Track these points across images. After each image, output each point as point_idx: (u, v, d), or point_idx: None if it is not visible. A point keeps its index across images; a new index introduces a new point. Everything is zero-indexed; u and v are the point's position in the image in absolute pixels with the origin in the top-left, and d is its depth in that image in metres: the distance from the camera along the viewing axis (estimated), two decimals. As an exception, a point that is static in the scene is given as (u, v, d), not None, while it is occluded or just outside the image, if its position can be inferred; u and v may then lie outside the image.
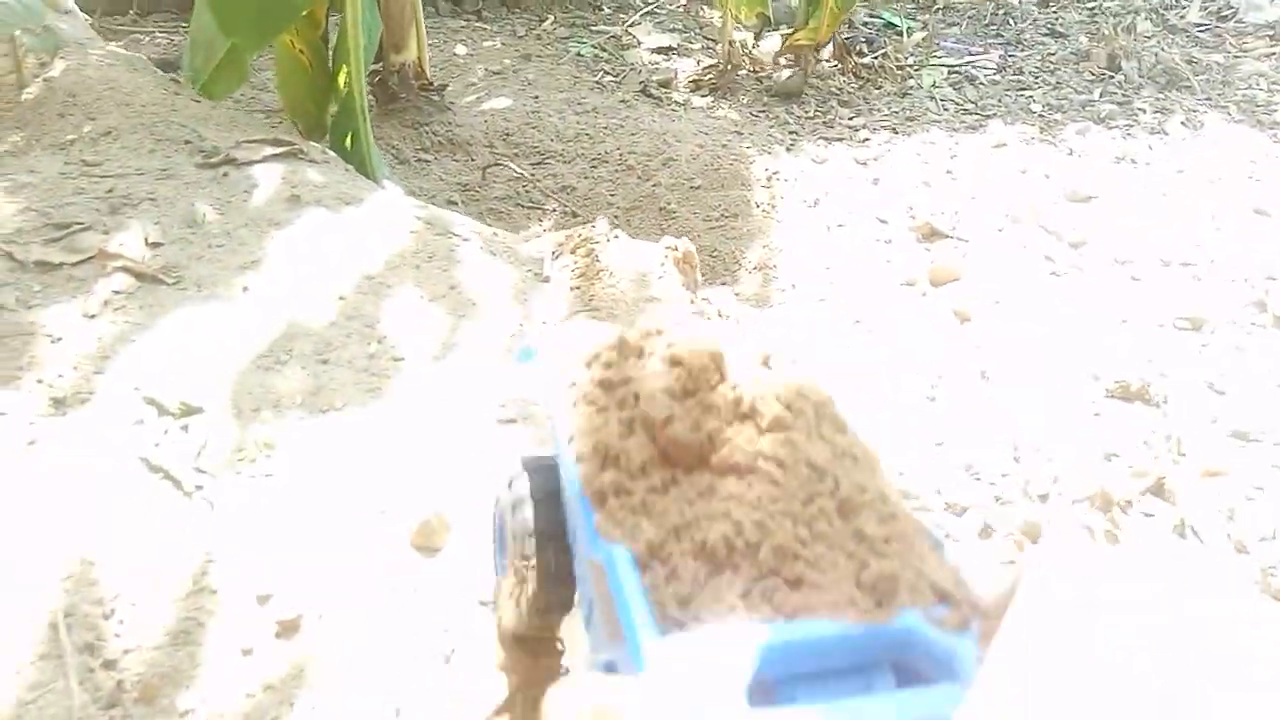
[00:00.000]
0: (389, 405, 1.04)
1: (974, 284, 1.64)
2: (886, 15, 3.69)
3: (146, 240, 1.31)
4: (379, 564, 0.86)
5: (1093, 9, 3.90)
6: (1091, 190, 2.10)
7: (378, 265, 1.26)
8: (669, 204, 1.93)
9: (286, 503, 0.91)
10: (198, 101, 1.73)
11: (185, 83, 1.88)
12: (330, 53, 1.80)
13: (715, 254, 1.77)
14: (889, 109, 2.78)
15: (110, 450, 0.93)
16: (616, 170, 2.07)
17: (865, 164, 2.16)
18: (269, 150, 1.55)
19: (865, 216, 1.89)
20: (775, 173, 2.02)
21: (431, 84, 2.20)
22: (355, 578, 0.85)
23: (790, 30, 3.09)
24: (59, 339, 1.08)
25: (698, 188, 1.98)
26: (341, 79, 1.74)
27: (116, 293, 1.17)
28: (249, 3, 1.58)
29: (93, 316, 1.16)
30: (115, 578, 0.82)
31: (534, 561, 0.40)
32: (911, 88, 3.05)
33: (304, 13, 1.66)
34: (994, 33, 3.78)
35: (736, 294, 1.63)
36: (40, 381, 1.02)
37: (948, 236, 1.82)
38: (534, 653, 0.45)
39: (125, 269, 1.23)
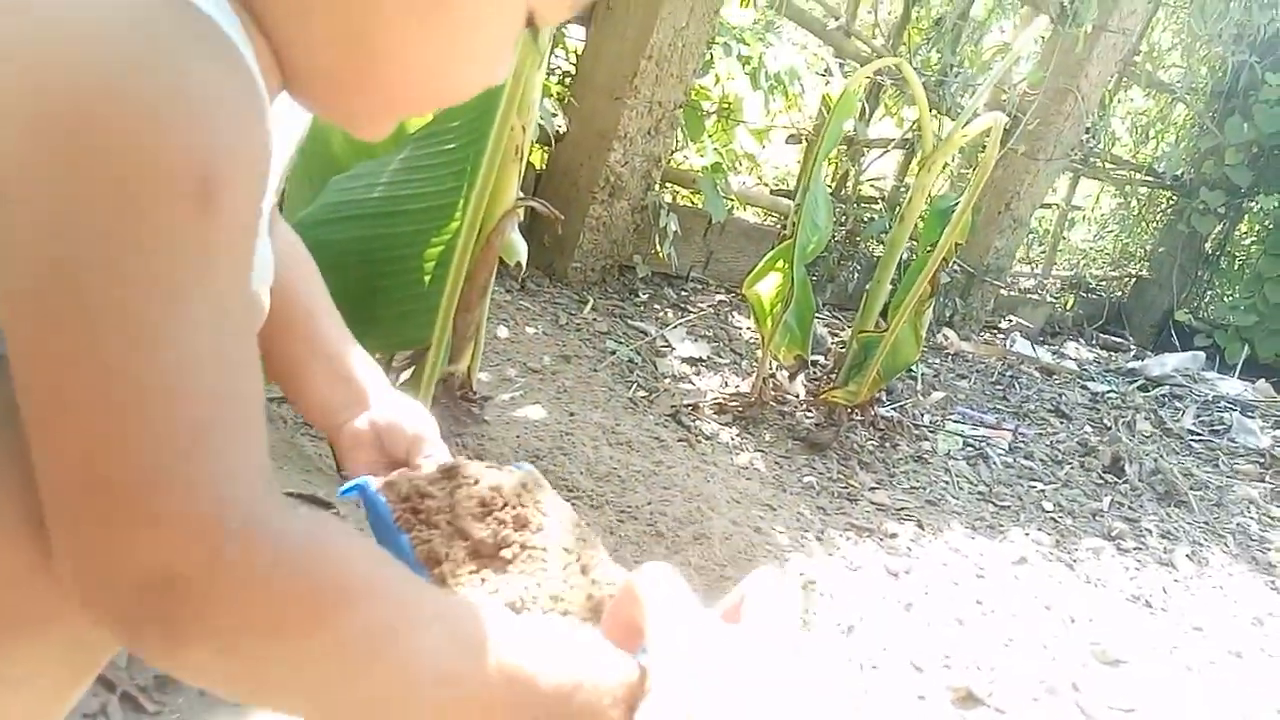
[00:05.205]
0: None
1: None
2: (905, 359, 3.81)
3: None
4: None
5: (1094, 395, 4.09)
6: (1118, 651, 2.05)
7: None
8: (697, 589, 1.82)
9: None
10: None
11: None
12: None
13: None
14: (909, 481, 2.79)
15: None
16: (645, 532, 1.97)
17: (897, 575, 2.10)
18: (302, 510, 1.42)
19: (899, 658, 1.79)
20: (811, 581, 1.94)
21: (474, 395, 2.13)
22: None
23: (826, 374, 3.15)
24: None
25: (729, 578, 1.88)
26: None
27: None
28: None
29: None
30: None
31: None
32: (927, 452, 3.09)
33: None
34: (1000, 394, 3.92)
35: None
36: None
37: (984, 705, 1.72)
38: None
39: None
